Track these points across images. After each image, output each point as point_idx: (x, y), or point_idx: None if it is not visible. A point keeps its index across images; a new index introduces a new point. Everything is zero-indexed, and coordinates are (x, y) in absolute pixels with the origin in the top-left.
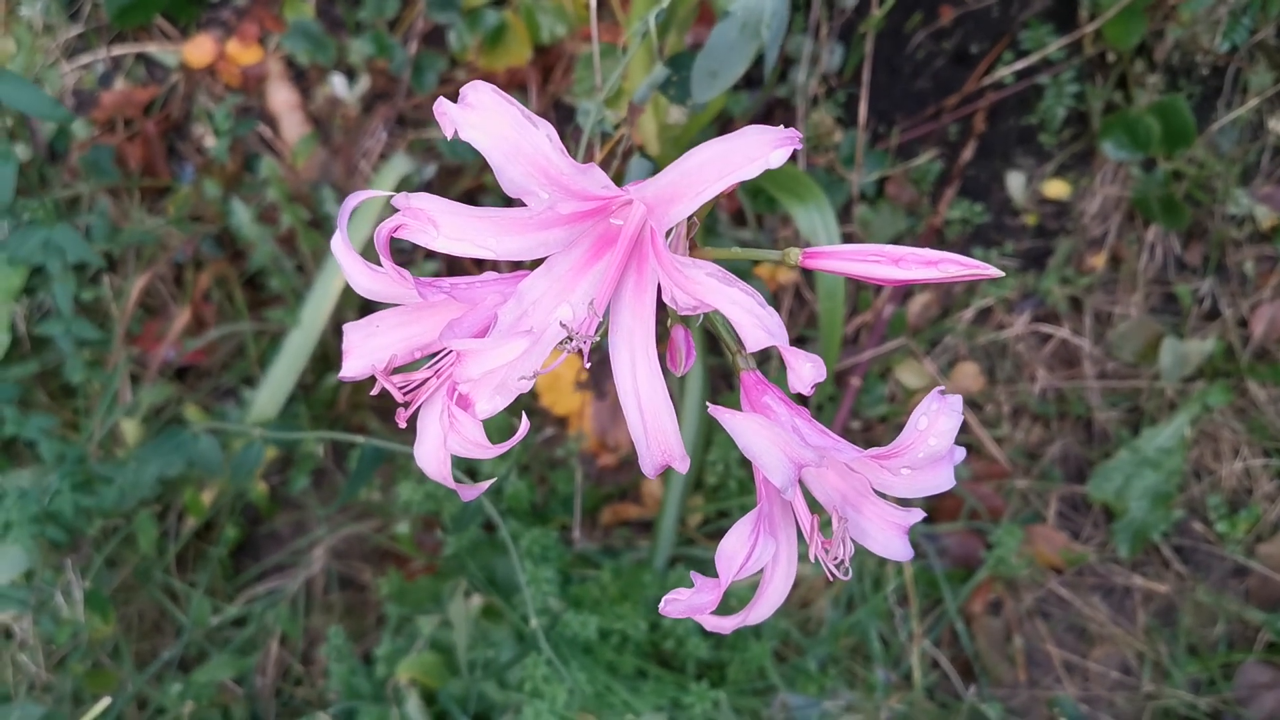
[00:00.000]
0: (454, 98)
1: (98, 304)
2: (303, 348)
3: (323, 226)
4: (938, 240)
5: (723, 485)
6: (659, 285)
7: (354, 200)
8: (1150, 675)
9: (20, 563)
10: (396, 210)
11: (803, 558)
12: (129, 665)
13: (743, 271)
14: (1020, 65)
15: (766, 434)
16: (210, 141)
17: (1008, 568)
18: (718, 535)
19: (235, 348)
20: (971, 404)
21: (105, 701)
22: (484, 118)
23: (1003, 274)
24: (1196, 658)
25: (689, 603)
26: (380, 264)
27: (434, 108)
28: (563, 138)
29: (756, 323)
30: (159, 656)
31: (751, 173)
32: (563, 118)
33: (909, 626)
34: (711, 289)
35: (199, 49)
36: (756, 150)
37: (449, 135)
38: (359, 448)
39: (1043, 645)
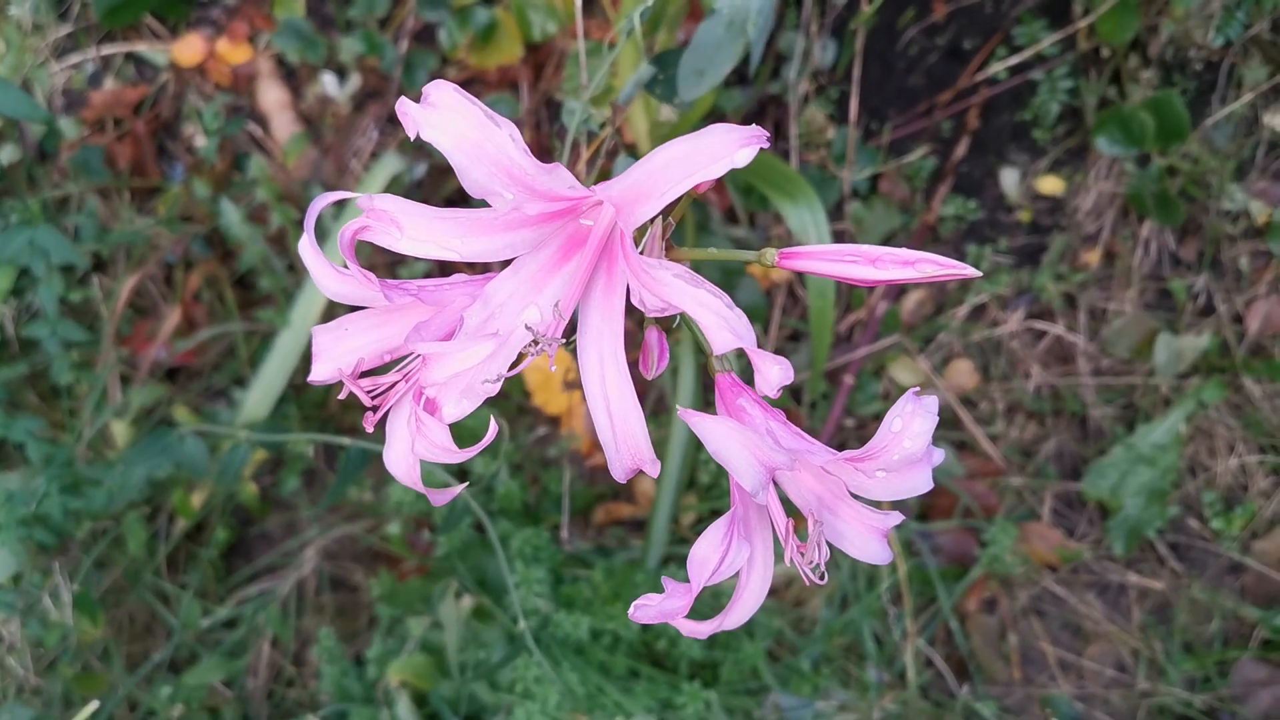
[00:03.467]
0: (418, 98)
1: (87, 305)
2: (293, 348)
3: None
4: (931, 237)
5: (715, 484)
6: (629, 287)
7: (321, 202)
8: (1145, 673)
9: (8, 566)
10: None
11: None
12: (119, 668)
13: (735, 269)
14: (1014, 61)
15: (736, 438)
16: (200, 141)
17: (1002, 566)
18: None
19: (226, 348)
20: (966, 401)
21: (94, 705)
22: (445, 118)
23: (980, 273)
24: (1192, 655)
25: (660, 608)
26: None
27: (396, 107)
28: (553, 135)
29: (723, 324)
30: (149, 659)
31: (717, 172)
32: (554, 115)
33: (903, 625)
34: (678, 290)
35: (189, 48)
36: (722, 149)
37: (411, 136)
38: (346, 450)
39: (1037, 643)
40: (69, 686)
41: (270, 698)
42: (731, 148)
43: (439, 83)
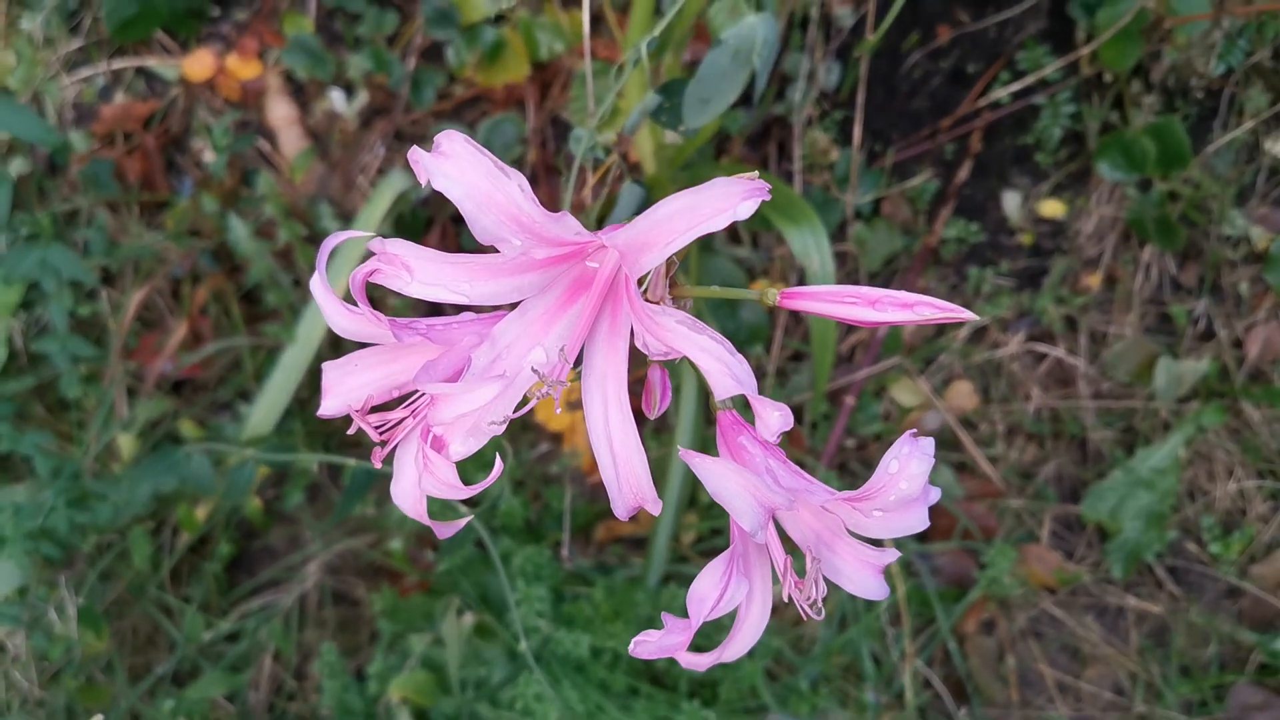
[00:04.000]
0: (429, 146)
1: (95, 318)
2: (298, 363)
3: (319, 242)
4: (933, 259)
5: (716, 503)
6: (632, 329)
7: (332, 242)
8: (1143, 696)
9: (14, 578)
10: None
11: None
12: (122, 681)
13: (739, 286)
14: (1017, 85)
15: (735, 479)
16: (209, 156)
17: (1001, 587)
18: (711, 552)
19: (232, 362)
20: (966, 423)
21: (97, 718)
22: (457, 167)
23: (976, 317)
24: (1189, 678)
25: (659, 644)
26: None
27: (408, 155)
28: (558, 156)
29: (725, 370)
30: (152, 672)
31: (719, 225)
32: (559, 134)
33: (901, 646)
34: (681, 336)
35: (198, 63)
36: (724, 202)
37: (423, 183)
38: (351, 469)
39: (1035, 665)
40: (72, 699)
41: (271, 711)
42: (734, 200)
43: (450, 132)
